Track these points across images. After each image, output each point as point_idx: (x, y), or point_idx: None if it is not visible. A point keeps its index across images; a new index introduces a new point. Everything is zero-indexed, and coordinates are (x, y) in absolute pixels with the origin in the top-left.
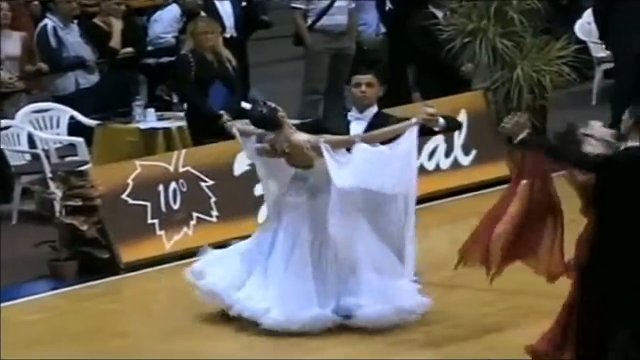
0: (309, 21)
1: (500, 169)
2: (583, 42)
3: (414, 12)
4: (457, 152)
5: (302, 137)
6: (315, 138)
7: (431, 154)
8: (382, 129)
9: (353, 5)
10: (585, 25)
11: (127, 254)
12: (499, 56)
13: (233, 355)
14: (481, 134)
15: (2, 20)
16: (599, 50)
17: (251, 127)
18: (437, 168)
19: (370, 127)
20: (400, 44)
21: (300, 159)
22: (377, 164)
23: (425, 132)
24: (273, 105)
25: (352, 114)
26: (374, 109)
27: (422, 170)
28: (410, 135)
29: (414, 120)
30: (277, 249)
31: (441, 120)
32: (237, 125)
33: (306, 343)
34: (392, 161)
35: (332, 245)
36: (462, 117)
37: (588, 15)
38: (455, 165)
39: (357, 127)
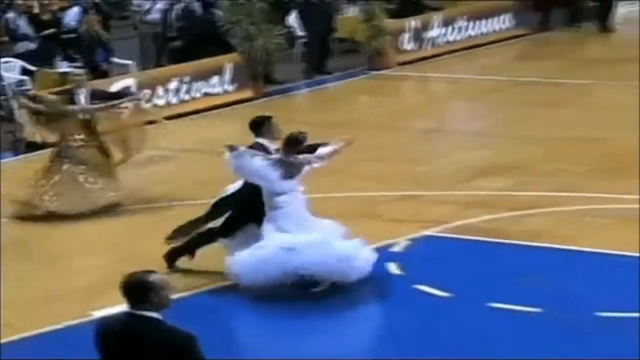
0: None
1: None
2: (290, 27)
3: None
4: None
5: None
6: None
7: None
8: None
9: None
10: (294, 18)
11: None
12: (247, 33)
13: None
14: (241, 76)
15: None
16: (298, 32)
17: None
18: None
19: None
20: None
21: None
22: None
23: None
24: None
25: None
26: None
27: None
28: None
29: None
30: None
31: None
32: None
33: None
34: None
35: None
36: (229, 67)
37: (295, 12)
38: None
39: None
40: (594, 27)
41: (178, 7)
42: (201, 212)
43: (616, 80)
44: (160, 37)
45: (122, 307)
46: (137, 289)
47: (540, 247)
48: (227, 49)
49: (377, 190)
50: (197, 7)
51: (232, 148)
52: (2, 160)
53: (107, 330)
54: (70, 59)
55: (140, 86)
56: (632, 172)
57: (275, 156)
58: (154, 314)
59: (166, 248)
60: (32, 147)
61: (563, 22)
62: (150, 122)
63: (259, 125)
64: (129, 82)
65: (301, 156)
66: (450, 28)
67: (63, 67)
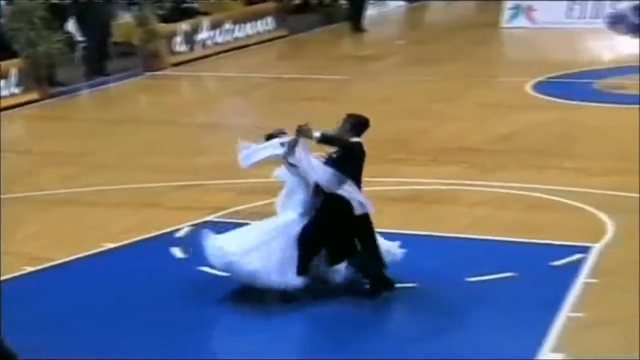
0: None
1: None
2: (69, 33)
3: None
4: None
5: None
6: None
7: None
8: None
9: None
10: (72, 24)
11: None
12: (29, 40)
13: None
14: (26, 79)
15: None
16: (77, 37)
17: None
18: None
19: None
20: None
21: None
22: None
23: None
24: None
25: None
26: None
27: None
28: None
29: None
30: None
31: (315, 134)
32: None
33: None
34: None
35: None
36: (14, 71)
37: (73, 19)
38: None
39: None
40: (347, 28)
41: None
42: None
43: (368, 76)
44: None
45: None
46: None
47: None
48: (12, 54)
49: (159, 182)
50: None
51: None
52: None
53: None
54: None
55: None
56: (390, 157)
57: None
58: None
59: None
60: None
61: (319, 23)
62: None
63: None
64: None
65: None
66: (218, 31)
67: None
